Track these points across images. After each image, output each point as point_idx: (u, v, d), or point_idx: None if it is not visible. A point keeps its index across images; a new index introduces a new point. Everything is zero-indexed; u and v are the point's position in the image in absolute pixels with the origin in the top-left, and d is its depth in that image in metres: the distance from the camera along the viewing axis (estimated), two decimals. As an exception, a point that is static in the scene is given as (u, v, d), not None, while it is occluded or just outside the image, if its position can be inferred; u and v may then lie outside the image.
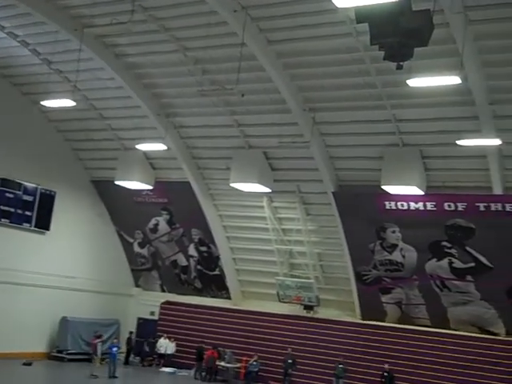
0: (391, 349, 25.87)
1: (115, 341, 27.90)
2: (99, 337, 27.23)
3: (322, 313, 28.02)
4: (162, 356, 30.01)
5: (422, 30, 11.83)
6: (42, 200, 28.20)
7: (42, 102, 23.70)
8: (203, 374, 27.82)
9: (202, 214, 28.57)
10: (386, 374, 24.75)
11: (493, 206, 22.02)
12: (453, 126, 20.99)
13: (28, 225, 27.74)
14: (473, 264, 23.69)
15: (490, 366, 23.92)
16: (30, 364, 25.75)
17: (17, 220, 27.32)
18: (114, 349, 26.27)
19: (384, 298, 26.42)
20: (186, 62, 23.16)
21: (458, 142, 20.06)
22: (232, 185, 25.39)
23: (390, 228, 24.87)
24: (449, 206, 22.95)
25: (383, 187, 22.66)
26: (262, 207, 27.34)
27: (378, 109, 21.95)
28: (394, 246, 25.19)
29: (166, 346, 29.86)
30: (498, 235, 22.40)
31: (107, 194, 30.71)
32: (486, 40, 18.38)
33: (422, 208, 23.49)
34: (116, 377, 25.28)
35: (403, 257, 25.18)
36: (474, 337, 24.79)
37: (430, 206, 23.31)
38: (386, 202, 24.02)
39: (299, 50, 21.03)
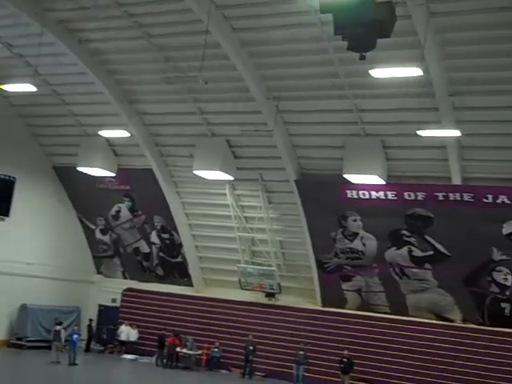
0: (351, 335, 26.28)
1: (76, 328, 27.74)
2: (59, 324, 27.05)
3: (284, 300, 28.28)
4: (123, 343, 29.98)
5: (385, 21, 12.00)
6: (1, 186, 27.72)
7: (3, 87, 23.31)
8: (164, 361, 27.88)
9: (164, 202, 28.52)
10: (345, 359, 25.13)
11: (451, 196, 22.49)
12: (414, 116, 21.34)
13: (-14, 211, 27.32)
14: (431, 252, 24.20)
15: (447, 351, 24.51)
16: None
17: (-26, 206, 26.90)
18: (75, 336, 26.14)
19: (344, 286, 26.78)
20: (150, 49, 23.03)
21: (419, 133, 20.41)
22: (195, 172, 25.41)
23: (351, 216, 25.20)
24: (409, 195, 23.36)
25: (345, 176, 22.94)
26: (225, 195, 27.41)
27: (340, 98, 22.18)
28: (355, 235, 25.54)
29: (127, 332, 29.82)
30: (455, 224, 22.92)
31: (69, 180, 30.42)
32: (447, 32, 18.72)
33: (382, 197, 23.85)
34: (76, 364, 25.12)
35: (364, 245, 25.55)
36: (431, 323, 25.36)
37: (390, 195, 23.69)
38: (348, 191, 24.31)
39: (264, 39, 21.13)
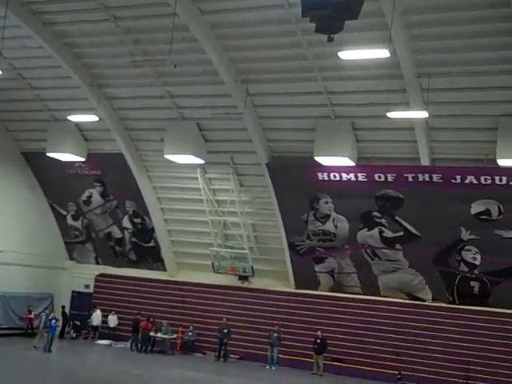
0: (324, 316, 26.49)
1: (53, 313, 27.42)
2: (31, 312, 26.87)
3: (257, 283, 28.39)
4: (95, 328, 29.90)
5: (353, 3, 11.98)
6: (-31, 172, 27.45)
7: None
8: (139, 345, 27.86)
9: (135, 186, 28.35)
10: (318, 340, 25.34)
11: (420, 177, 22.66)
12: (382, 98, 21.39)
13: (-47, 198, 26.99)
14: (401, 233, 24.42)
15: (418, 330, 24.81)
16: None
17: None
18: (53, 321, 25.94)
19: (317, 268, 26.92)
20: (118, 32, 22.73)
21: (388, 115, 20.48)
22: (166, 156, 25.27)
23: (322, 199, 25.28)
24: (379, 176, 23.48)
25: (316, 158, 22.97)
26: (196, 178, 27.30)
27: (309, 81, 22.14)
28: (327, 217, 25.64)
29: (97, 318, 29.78)
30: (425, 205, 23.14)
31: (38, 166, 30.05)
32: (413, 14, 18.76)
33: (353, 179, 23.95)
34: (51, 351, 25.01)
35: (335, 227, 25.68)
36: (403, 303, 25.64)
37: (361, 176, 23.79)
38: (319, 173, 24.36)
39: (232, 21, 20.99)
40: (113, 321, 29.98)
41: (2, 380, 18.35)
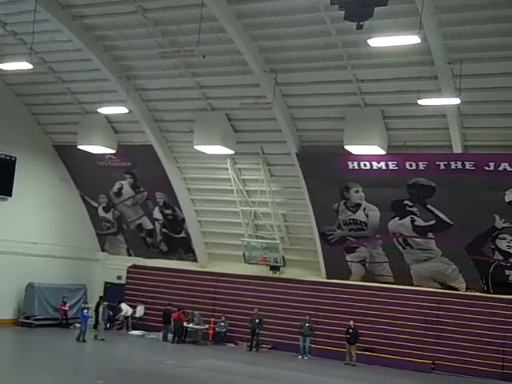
0: (356, 306, 26.35)
1: (85, 304, 27.74)
2: (65, 303, 27.18)
3: (288, 273, 28.35)
4: (127, 319, 30.19)
5: (382, -11, 11.86)
6: (2, 166, 27.74)
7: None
8: (171, 336, 28.01)
9: (166, 177, 28.45)
10: (350, 330, 25.19)
11: (453, 165, 22.33)
12: (413, 85, 21.03)
13: (-12, 191, 27.37)
14: (434, 221, 24.13)
15: (452, 319, 24.54)
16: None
17: (-23, 186, 26.93)
18: (85, 311, 26.24)
19: (348, 257, 26.78)
20: (146, 24, 22.73)
21: (419, 102, 20.18)
22: (195, 147, 25.28)
23: (353, 188, 25.10)
24: (410, 165, 23.20)
25: (346, 147, 22.79)
26: (226, 169, 27.32)
27: (338, 69, 21.95)
28: (358, 206, 25.46)
29: (126, 309, 30.01)
30: (457, 193, 22.83)
31: (70, 158, 30.32)
32: (444, -1, 18.44)
33: (384, 167, 23.71)
34: (85, 341, 25.34)
35: (366, 216, 25.49)
36: (436, 292, 25.40)
37: (391, 165, 23.54)
38: (349, 162, 24.18)
39: (259, 11, 20.86)
40: (139, 311, 30.16)
41: (39, 369, 18.63)
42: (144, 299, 30.38)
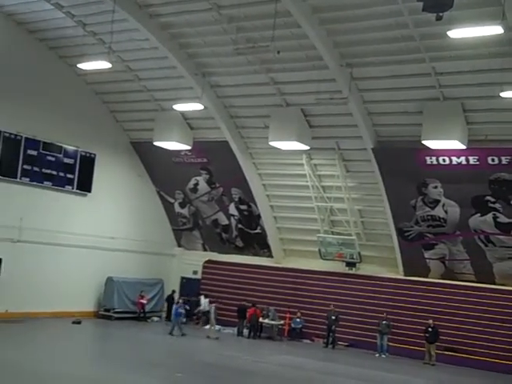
0: (435, 304, 25.72)
1: (180, 301, 28.06)
2: (143, 297, 27.66)
3: (365, 269, 27.98)
4: (204, 314, 30.43)
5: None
6: (82, 162, 28.47)
7: (79, 65, 23.68)
8: (246, 331, 28.09)
9: (241, 173, 28.54)
10: (430, 329, 24.64)
11: (538, 159, 21.47)
12: (495, 77, 20.30)
13: (70, 187, 28.07)
14: (518, 218, 23.27)
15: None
16: (79, 322, 26.36)
17: (59, 183, 27.64)
18: (180, 309, 26.75)
19: (427, 254, 26.16)
20: (221, 21, 22.78)
21: (501, 94, 19.45)
22: (271, 143, 25.21)
23: (431, 183, 24.49)
24: (492, 159, 22.44)
25: (424, 142, 22.24)
26: (302, 165, 27.15)
27: (416, 62, 21.38)
28: (436, 202, 24.82)
29: (204, 304, 30.24)
30: (543, 189, 21.91)
31: (146, 155, 30.84)
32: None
33: (464, 162, 23.03)
34: (173, 335, 25.90)
35: (446, 212, 24.81)
36: (520, 291, 24.51)
37: (472, 160, 22.82)
38: (427, 157, 23.61)
39: (335, 4, 20.51)
40: (204, 304, 30.21)
41: (120, 360, 19.15)
42: (217, 294, 30.42)
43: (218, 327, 29.26)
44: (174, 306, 27.38)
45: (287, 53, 22.08)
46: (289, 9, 20.39)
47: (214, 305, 27.83)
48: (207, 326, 29.38)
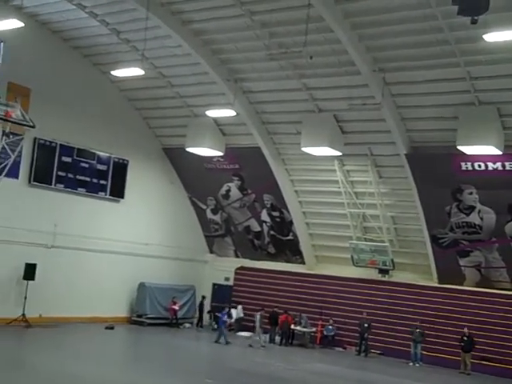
0: (471, 313, 25.24)
1: (227, 309, 28.11)
2: (175, 303, 27.69)
3: (398, 276, 27.64)
4: (236, 321, 30.35)
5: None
6: (115, 169, 28.70)
7: (112, 72, 23.89)
8: (278, 338, 27.93)
9: (273, 180, 28.46)
10: (465, 338, 24.22)
11: None
12: (532, 82, 19.99)
13: (103, 193, 28.33)
14: (556, 225, 22.79)
15: None
16: (112, 328, 26.53)
17: (92, 189, 27.91)
18: (225, 317, 26.79)
19: (462, 262, 25.75)
20: (253, 27, 22.78)
21: (539, 99, 19.11)
22: (303, 149, 25.11)
23: (466, 189, 24.13)
24: (529, 165, 22.04)
25: (459, 148, 21.93)
26: (334, 171, 26.98)
27: (451, 66, 21.12)
28: (472, 208, 24.44)
29: (236, 315, 30.09)
30: None
31: (179, 161, 30.94)
32: None
33: (500, 168, 22.68)
34: (219, 342, 25.93)
35: (481, 219, 24.41)
36: (559, 300, 23.98)
37: (508, 166, 22.47)
38: (462, 163, 23.29)
39: (367, 9, 20.37)
40: (238, 312, 30.12)
41: (152, 365, 19.13)
42: (249, 301, 30.35)
43: (249, 334, 29.18)
44: (220, 314, 27.18)
45: (319, 58, 21.97)
46: (321, 14, 20.31)
47: (259, 313, 27.60)
48: (242, 333, 29.31)
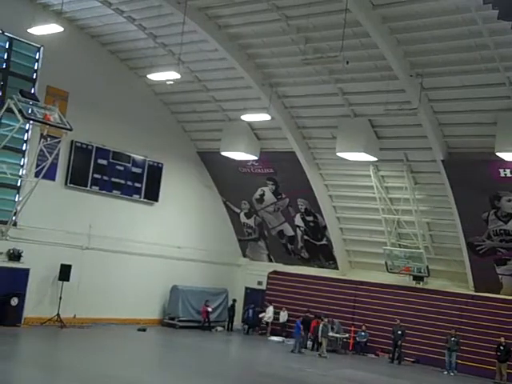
0: (508, 322, 24.82)
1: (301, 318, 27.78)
2: (208, 306, 27.71)
3: (433, 284, 27.33)
4: (267, 324, 30.34)
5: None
6: (150, 172, 28.89)
7: (148, 76, 24.03)
8: (310, 343, 27.76)
9: (307, 184, 28.37)
10: (501, 347, 23.82)
11: None
12: None
13: (138, 196, 28.53)
14: None
15: None
16: (144, 330, 26.71)
17: (127, 192, 28.14)
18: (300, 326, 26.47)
19: (499, 270, 25.35)
20: (289, 31, 22.75)
21: None
22: (338, 154, 24.99)
23: (505, 196, 23.75)
24: None
25: (497, 154, 21.60)
26: (369, 176, 26.79)
27: (490, 72, 20.82)
28: (510, 216, 24.05)
29: (270, 315, 30.19)
30: None
31: (213, 164, 31.04)
32: None
33: (539, 175, 22.27)
34: (297, 353, 25.92)
35: (520, 227, 24.04)
36: None
37: (548, 173, 22.05)
38: (501, 170, 22.94)
39: (405, 14, 20.18)
40: (283, 316, 30.16)
41: (181, 367, 19.24)
42: (282, 305, 30.27)
43: (280, 338, 29.12)
44: (297, 322, 26.79)
45: (356, 63, 21.81)
46: (358, 18, 20.19)
47: (323, 322, 26.74)
48: (272, 337, 29.22)
